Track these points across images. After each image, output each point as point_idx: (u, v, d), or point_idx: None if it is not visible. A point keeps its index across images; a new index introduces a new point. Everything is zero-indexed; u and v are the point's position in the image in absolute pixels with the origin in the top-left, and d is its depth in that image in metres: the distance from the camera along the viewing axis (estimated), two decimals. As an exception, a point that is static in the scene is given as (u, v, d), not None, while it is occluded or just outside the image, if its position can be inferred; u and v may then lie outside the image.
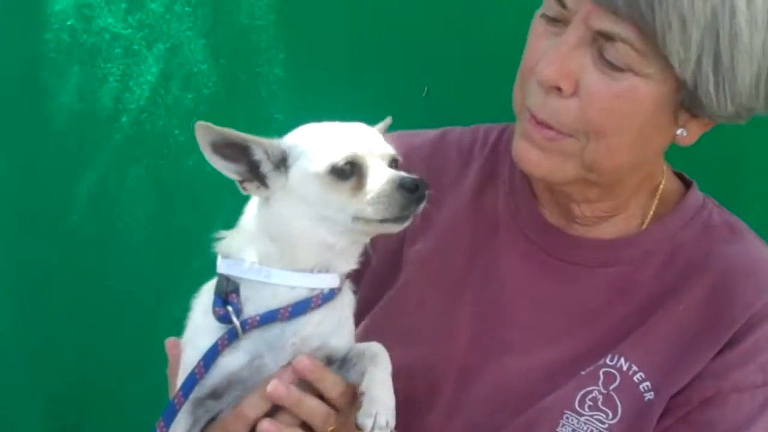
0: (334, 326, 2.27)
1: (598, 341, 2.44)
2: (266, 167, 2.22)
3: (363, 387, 2.16)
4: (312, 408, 2.22)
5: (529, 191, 2.58)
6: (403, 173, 2.19)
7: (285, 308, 2.21)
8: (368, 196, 2.15)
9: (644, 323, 2.41)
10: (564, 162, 2.33)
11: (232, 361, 2.22)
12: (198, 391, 2.22)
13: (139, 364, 3.65)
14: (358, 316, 2.56)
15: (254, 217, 2.30)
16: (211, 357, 2.20)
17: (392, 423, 2.13)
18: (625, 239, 2.52)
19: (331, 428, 2.22)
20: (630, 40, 2.15)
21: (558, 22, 2.26)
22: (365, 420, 2.10)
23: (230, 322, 2.19)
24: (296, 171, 2.21)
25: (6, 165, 3.92)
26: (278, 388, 2.17)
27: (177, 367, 2.30)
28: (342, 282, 2.30)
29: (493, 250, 2.58)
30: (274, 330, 2.22)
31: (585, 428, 2.36)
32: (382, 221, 2.17)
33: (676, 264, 2.46)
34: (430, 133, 2.78)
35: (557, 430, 2.37)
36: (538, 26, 2.32)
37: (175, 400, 2.19)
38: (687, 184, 2.58)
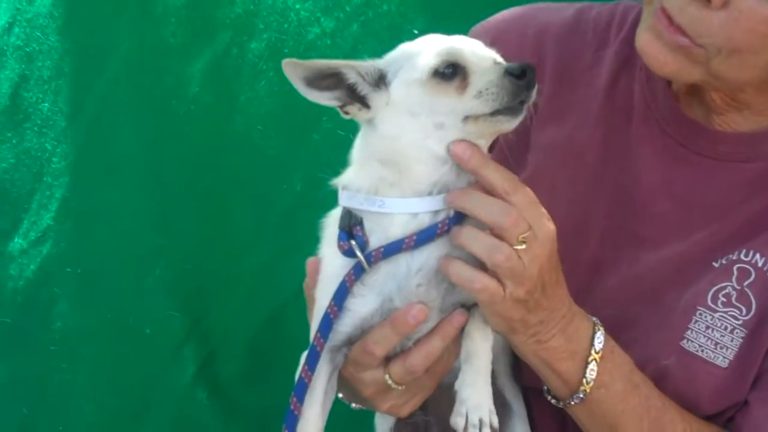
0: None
1: (732, 235, 2.38)
2: (364, 89, 2.19)
3: (456, 386, 2.17)
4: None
5: (665, 81, 2.48)
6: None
7: (410, 237, 2.16)
8: (474, 91, 2.10)
9: None
10: (690, 66, 2.23)
11: (362, 306, 2.21)
12: (334, 339, 2.22)
13: (254, 237, 3.72)
14: None
15: (361, 144, 2.26)
16: (341, 295, 2.19)
17: (488, 420, 2.12)
18: (765, 132, 2.41)
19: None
20: None
21: None
22: (456, 420, 2.14)
23: (355, 256, 2.17)
24: (398, 84, 2.17)
25: (126, 40, 3.94)
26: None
27: (314, 285, 2.30)
28: None
29: (627, 140, 2.51)
30: (401, 266, 2.18)
31: (719, 324, 2.33)
32: (494, 114, 2.10)
33: None
34: (568, 11, 2.67)
35: (690, 326, 2.35)
36: None
37: (316, 343, 2.20)
38: None
